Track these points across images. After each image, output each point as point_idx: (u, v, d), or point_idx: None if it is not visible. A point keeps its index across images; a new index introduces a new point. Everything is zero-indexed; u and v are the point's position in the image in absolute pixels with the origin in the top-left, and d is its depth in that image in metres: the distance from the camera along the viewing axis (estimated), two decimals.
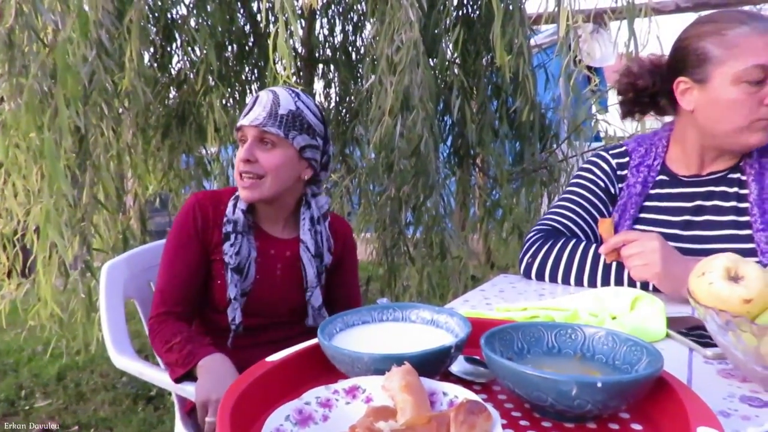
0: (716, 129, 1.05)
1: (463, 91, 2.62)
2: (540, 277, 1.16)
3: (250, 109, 1.16)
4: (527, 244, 1.21)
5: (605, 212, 1.21)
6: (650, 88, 1.16)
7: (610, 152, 1.25)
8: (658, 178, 1.18)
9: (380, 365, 0.56)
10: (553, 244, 1.15)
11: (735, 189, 1.10)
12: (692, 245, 1.08)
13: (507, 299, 1.04)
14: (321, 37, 3.21)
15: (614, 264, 1.06)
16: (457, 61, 2.83)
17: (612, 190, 1.22)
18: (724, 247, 1.05)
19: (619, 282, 1.05)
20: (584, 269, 1.09)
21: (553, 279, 1.14)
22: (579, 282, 1.10)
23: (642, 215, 1.17)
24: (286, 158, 1.17)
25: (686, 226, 1.11)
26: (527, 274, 1.19)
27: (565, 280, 1.12)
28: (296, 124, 1.16)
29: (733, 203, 1.09)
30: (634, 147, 1.23)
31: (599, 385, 0.52)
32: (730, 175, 1.11)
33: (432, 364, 0.59)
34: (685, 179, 1.15)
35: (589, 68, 3.28)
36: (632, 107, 1.21)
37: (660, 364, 0.55)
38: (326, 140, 1.25)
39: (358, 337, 0.68)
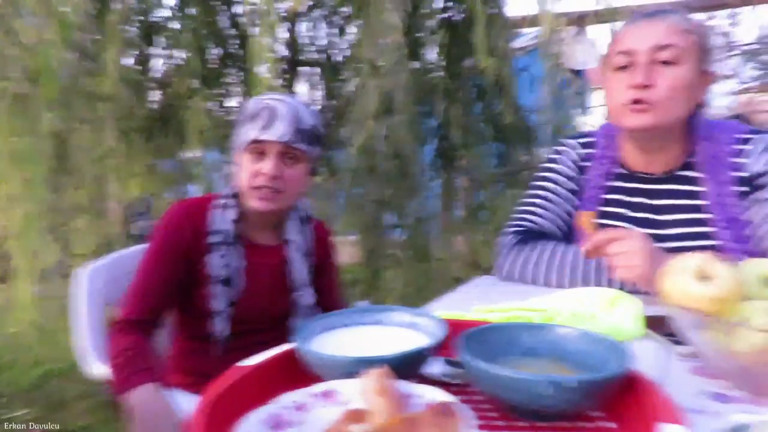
0: (611, 116, 1.11)
1: (447, 94, 2.63)
2: (519, 279, 1.16)
3: (269, 122, 1.12)
4: (504, 247, 1.21)
5: (575, 202, 1.21)
6: None
7: (578, 140, 1.26)
8: (617, 170, 1.19)
9: (356, 368, 0.56)
10: (531, 247, 1.15)
11: (687, 187, 1.11)
12: (658, 243, 1.08)
13: (486, 300, 1.05)
14: (305, 40, 3.20)
15: (594, 266, 1.06)
16: (441, 64, 2.84)
17: (578, 180, 1.22)
18: (682, 245, 1.06)
19: (599, 284, 1.05)
20: (564, 272, 1.09)
21: (532, 282, 1.14)
22: (560, 284, 1.10)
23: (603, 208, 1.17)
24: (306, 172, 1.20)
25: (643, 223, 1.12)
26: (505, 277, 1.19)
27: (546, 283, 1.12)
28: (315, 138, 1.18)
29: (687, 201, 1.10)
30: (600, 137, 1.24)
31: (573, 384, 0.53)
32: (681, 173, 1.12)
33: (408, 367, 0.59)
34: (638, 175, 1.16)
35: (571, 71, 3.31)
36: None
37: (631, 363, 0.56)
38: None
39: (336, 340, 0.68)
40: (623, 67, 1.06)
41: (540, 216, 1.22)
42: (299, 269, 1.25)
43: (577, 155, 1.24)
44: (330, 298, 1.35)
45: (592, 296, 0.88)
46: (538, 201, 1.24)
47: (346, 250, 2.21)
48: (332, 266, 1.38)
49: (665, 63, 1.02)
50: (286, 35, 3.03)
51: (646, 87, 1.02)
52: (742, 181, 1.07)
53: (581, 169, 1.23)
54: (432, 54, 2.80)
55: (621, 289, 0.91)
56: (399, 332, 0.70)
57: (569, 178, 1.23)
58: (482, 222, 2.56)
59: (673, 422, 0.48)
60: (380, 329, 0.71)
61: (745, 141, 1.09)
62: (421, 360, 0.60)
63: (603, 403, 0.57)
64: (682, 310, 0.66)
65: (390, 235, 2.25)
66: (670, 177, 1.13)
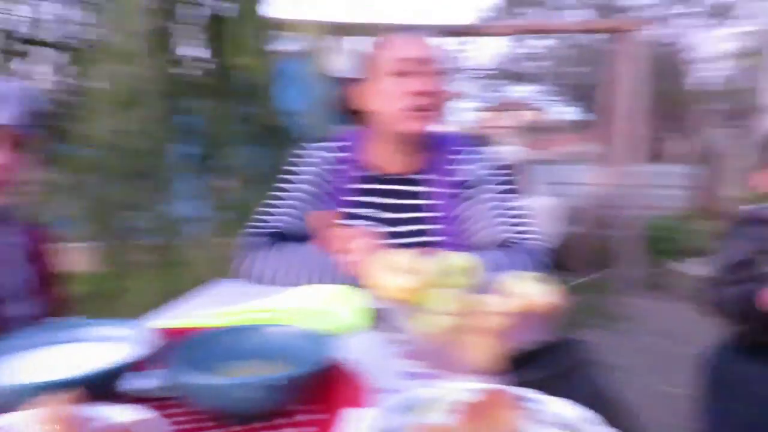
0: (383, 120, 1.18)
1: (207, 90, 2.51)
2: (261, 281, 1.15)
3: None
4: (245, 249, 1.19)
5: (322, 203, 1.25)
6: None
7: (327, 144, 1.29)
8: (363, 173, 1.25)
9: (30, 395, 0.48)
10: (273, 248, 1.15)
11: (421, 188, 1.23)
12: (391, 240, 1.18)
13: (225, 304, 1.01)
14: (36, 18, 2.74)
15: (332, 264, 1.10)
16: (205, 59, 2.70)
17: (325, 183, 1.26)
18: (418, 240, 1.17)
19: (337, 281, 1.09)
20: (306, 271, 1.10)
21: (275, 283, 1.12)
22: (302, 284, 1.11)
23: (349, 210, 1.23)
24: (29, 161, 1.05)
25: (389, 221, 1.21)
26: (247, 279, 1.17)
27: (288, 283, 1.11)
28: (38, 119, 1.05)
29: (420, 201, 1.22)
30: (347, 141, 1.29)
31: (281, 383, 0.54)
32: (417, 176, 1.24)
33: (99, 386, 0.53)
34: (383, 177, 1.25)
35: (334, 78, 3.46)
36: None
37: (338, 354, 0.60)
38: None
39: (18, 365, 0.58)
40: (400, 74, 1.12)
41: (282, 216, 1.23)
42: (11, 278, 1.06)
43: (326, 158, 1.27)
44: (48, 313, 1.17)
45: (322, 293, 0.92)
46: (281, 202, 1.25)
47: (83, 258, 1.95)
48: (51, 276, 1.20)
49: (435, 74, 1.13)
50: (19, 10, 2.55)
51: (427, 94, 1.11)
52: (461, 184, 1.23)
53: (331, 172, 1.27)
54: (195, 49, 2.64)
55: (352, 284, 0.96)
56: (99, 348, 0.62)
57: (316, 180, 1.26)
58: (241, 224, 2.50)
59: (359, 406, 0.51)
60: (77, 347, 0.63)
61: (463, 151, 1.25)
62: (114, 378, 0.54)
63: (313, 395, 0.59)
64: (389, 300, 0.72)
65: (136, 240, 2.04)
66: (410, 179, 1.24)
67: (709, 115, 6.67)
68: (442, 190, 1.23)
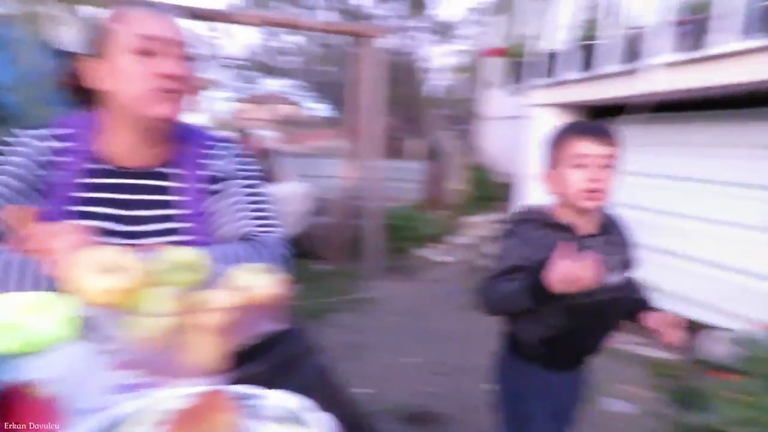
0: (122, 101, 1.05)
1: None
2: None
3: None
4: None
5: (30, 202, 1.05)
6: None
7: (46, 132, 1.10)
8: (95, 166, 1.10)
9: None
10: None
11: (167, 183, 1.14)
12: (130, 240, 1.06)
13: None
14: None
15: (32, 267, 0.92)
16: None
17: (39, 177, 1.07)
18: (161, 240, 1.07)
19: (36, 287, 0.92)
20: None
21: None
22: None
23: (77, 207, 1.07)
24: None
25: (122, 220, 1.09)
26: None
27: None
28: None
29: (166, 197, 1.12)
30: (74, 127, 1.11)
31: None
32: (162, 169, 1.14)
33: None
34: (121, 170, 1.11)
35: (60, 51, 2.99)
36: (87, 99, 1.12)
37: (17, 377, 0.49)
38: None
39: None
40: (144, 53, 1.01)
41: None
42: None
43: (43, 149, 1.07)
44: None
45: (13, 302, 0.77)
46: None
47: None
48: None
49: (183, 57, 1.03)
50: None
51: (175, 77, 1.01)
52: (210, 179, 1.15)
53: (49, 164, 1.06)
54: None
55: (53, 290, 0.82)
56: None
57: (26, 173, 1.05)
58: None
59: None
60: None
61: (213, 146, 1.18)
62: None
63: None
64: (96, 305, 0.63)
65: None
66: (154, 173, 1.12)
67: (437, 118, 7.67)
68: (190, 185, 1.14)
